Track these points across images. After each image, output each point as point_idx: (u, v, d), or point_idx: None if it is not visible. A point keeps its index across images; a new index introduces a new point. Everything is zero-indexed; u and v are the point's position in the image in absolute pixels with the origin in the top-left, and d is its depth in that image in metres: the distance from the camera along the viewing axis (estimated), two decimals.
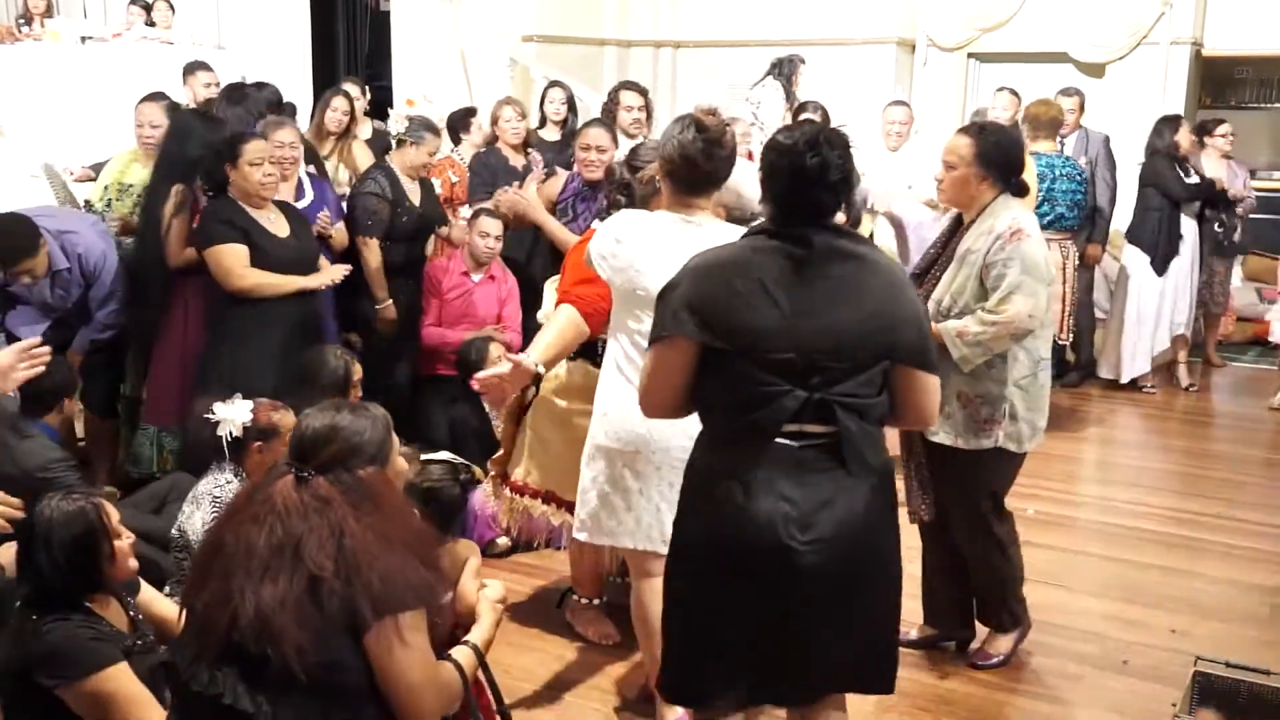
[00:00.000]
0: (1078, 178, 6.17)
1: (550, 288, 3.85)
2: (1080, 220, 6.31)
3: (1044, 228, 4.19)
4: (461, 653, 2.38)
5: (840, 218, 2.48)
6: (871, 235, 5.78)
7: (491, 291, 5.30)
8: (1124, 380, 7.14)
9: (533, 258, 5.31)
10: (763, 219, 2.56)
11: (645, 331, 2.78)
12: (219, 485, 3.45)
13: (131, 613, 2.71)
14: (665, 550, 2.78)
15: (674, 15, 9.90)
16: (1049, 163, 6.00)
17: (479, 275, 5.31)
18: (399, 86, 8.58)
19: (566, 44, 9.11)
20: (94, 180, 5.37)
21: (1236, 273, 7.97)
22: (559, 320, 3.19)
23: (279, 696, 2.02)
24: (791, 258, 2.36)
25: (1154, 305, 6.96)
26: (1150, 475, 5.79)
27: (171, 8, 8.30)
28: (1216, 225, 7.16)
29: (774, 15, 9.28)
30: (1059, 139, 6.80)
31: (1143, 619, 4.09)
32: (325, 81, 8.18)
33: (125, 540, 2.65)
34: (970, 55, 9.23)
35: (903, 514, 3.52)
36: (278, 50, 8.16)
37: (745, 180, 3.21)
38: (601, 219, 3.64)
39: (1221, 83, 9.30)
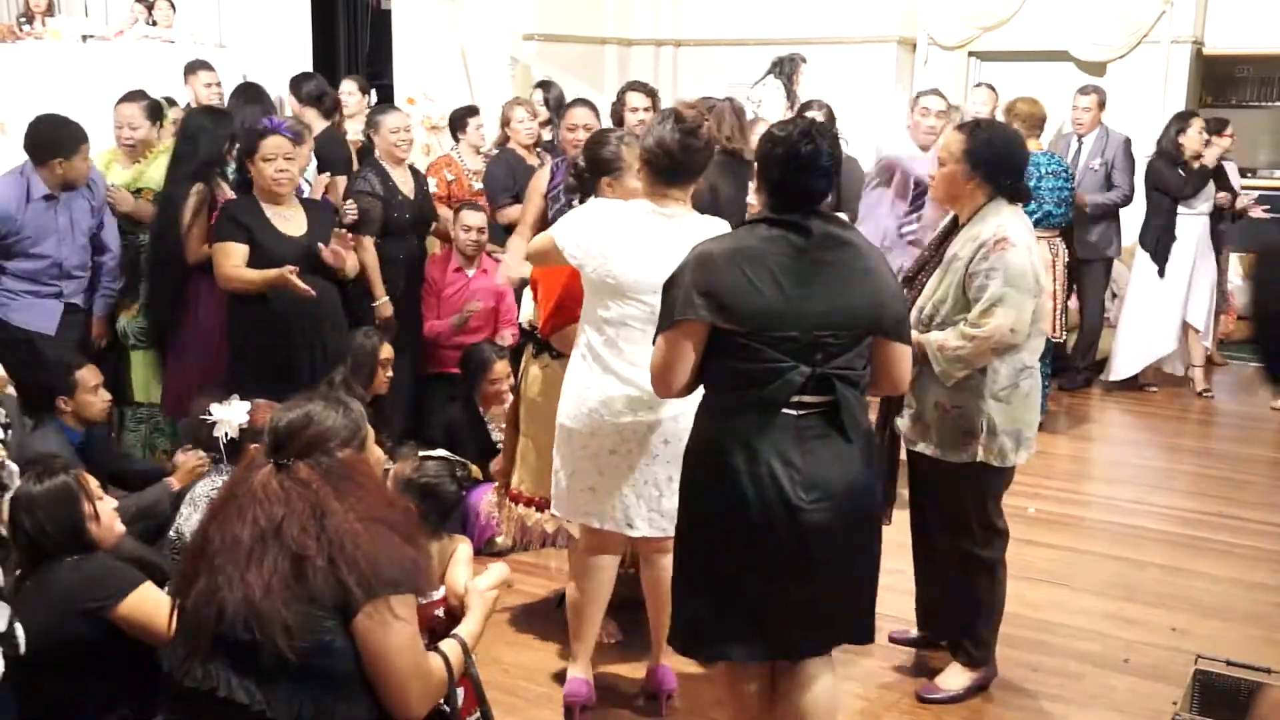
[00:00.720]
0: (1063, 174, 6.26)
1: (527, 295, 3.84)
2: (1069, 217, 6.36)
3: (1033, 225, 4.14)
4: (449, 646, 2.39)
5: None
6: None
7: (487, 285, 5.35)
8: (1115, 379, 7.12)
9: None
10: (761, 210, 2.68)
11: (612, 319, 3.06)
12: (215, 487, 3.44)
13: None
14: (631, 532, 3.16)
15: (675, 14, 9.90)
16: (1035, 160, 6.00)
17: (472, 270, 5.36)
18: (400, 85, 8.57)
19: (567, 42, 9.12)
20: None
21: (1236, 271, 7.96)
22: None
23: (270, 684, 2.03)
24: (793, 245, 2.55)
25: (1153, 305, 6.94)
26: (1151, 474, 5.79)
27: (173, 6, 8.29)
28: (1220, 225, 7.13)
29: (775, 14, 9.28)
30: (1077, 138, 6.93)
31: (1143, 618, 4.09)
32: (326, 80, 8.17)
33: (107, 504, 2.77)
34: (971, 54, 9.23)
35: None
36: (279, 49, 8.13)
37: None
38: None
39: (1222, 81, 9.29)
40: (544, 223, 3.92)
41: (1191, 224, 6.92)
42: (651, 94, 5.56)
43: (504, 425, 4.80)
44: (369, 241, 5.07)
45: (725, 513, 2.59)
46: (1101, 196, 6.80)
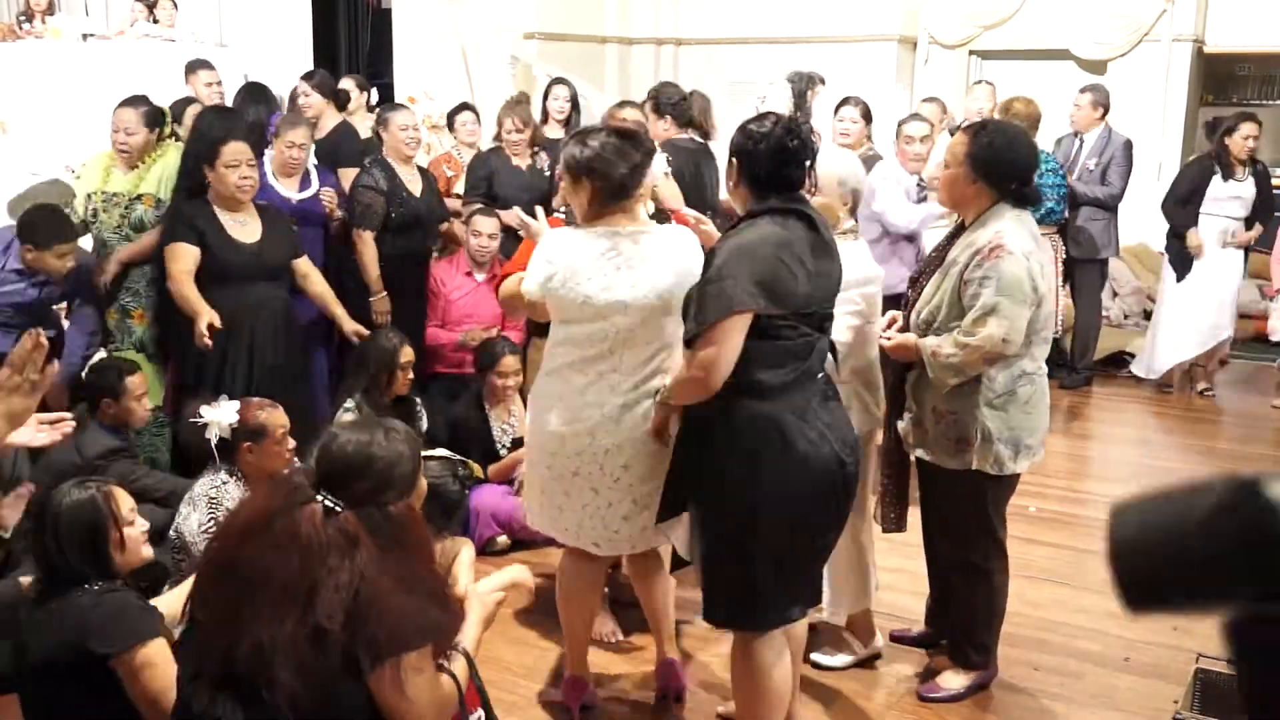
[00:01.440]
0: (1059, 171, 6.32)
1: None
2: (1064, 214, 6.36)
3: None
4: (458, 666, 2.35)
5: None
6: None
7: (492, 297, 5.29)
8: (1148, 375, 7.16)
9: None
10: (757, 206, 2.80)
11: (577, 338, 3.01)
12: (215, 486, 3.45)
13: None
14: (596, 551, 3.19)
15: (675, 12, 9.90)
16: None
17: (482, 275, 5.29)
18: (400, 84, 8.58)
19: (568, 41, 9.12)
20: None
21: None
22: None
23: None
24: (806, 229, 2.77)
25: (1176, 310, 6.88)
26: (1152, 472, 5.78)
27: (174, 5, 8.30)
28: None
29: (776, 12, 9.29)
30: (1079, 136, 6.90)
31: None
32: None
33: (137, 528, 2.64)
34: (972, 52, 9.24)
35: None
36: (279, 48, 8.15)
37: (836, 165, 3.41)
38: None
39: (1223, 79, 9.29)
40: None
41: (1214, 228, 6.76)
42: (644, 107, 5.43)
43: (511, 424, 4.83)
44: (368, 236, 5.07)
45: (793, 480, 2.73)
46: (1091, 189, 6.76)
